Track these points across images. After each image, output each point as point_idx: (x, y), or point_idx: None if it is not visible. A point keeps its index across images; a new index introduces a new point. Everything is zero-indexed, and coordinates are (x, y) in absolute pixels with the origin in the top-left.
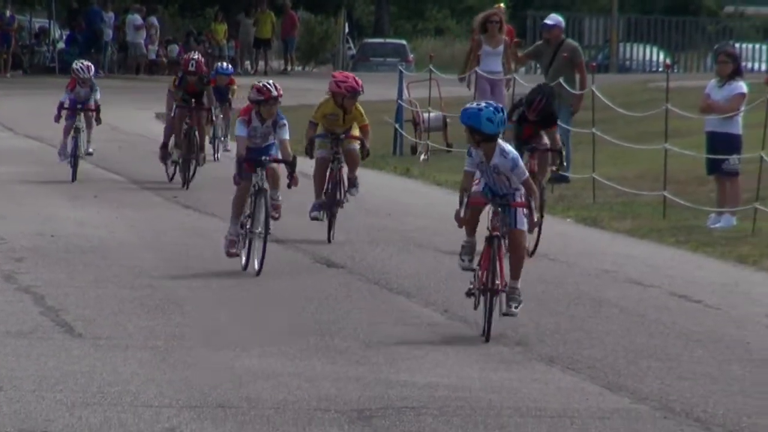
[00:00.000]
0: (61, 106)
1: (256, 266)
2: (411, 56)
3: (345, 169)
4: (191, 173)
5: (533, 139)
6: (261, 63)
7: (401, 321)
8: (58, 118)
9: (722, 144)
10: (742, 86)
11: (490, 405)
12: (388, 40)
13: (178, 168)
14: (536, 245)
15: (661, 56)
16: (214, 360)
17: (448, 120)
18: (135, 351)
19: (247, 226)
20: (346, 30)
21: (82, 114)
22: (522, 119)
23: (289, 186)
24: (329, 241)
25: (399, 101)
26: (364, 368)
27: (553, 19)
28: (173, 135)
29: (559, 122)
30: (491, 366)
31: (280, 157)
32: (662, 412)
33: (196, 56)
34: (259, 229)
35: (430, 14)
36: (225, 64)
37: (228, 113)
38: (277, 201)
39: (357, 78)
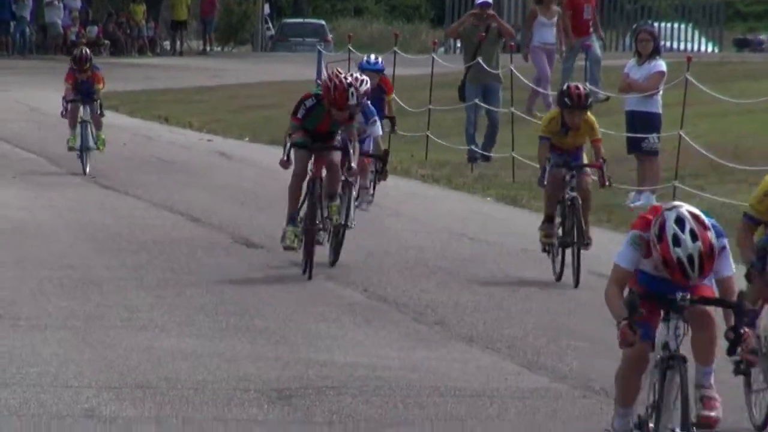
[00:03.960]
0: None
1: None
2: (330, 36)
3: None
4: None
5: None
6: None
7: (321, 301)
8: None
9: (642, 123)
10: (661, 65)
11: (409, 384)
12: (307, 20)
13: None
14: None
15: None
16: (133, 340)
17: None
18: (54, 331)
19: None
20: (266, 10)
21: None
22: None
23: None
24: None
25: (318, 81)
26: (284, 348)
27: None
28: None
29: (486, 103)
30: (410, 345)
31: None
32: (581, 390)
33: (362, 80)
34: None
35: None
36: (374, 56)
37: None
38: None
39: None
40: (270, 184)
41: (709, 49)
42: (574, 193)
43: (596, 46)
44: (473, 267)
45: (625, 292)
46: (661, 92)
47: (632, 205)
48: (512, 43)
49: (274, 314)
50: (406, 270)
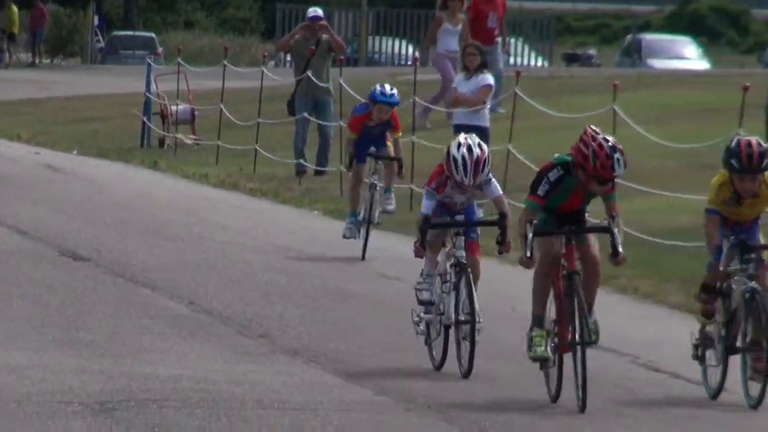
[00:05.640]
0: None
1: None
2: (160, 49)
3: None
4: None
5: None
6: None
7: (146, 313)
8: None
9: None
10: (488, 79)
11: (233, 397)
12: (137, 33)
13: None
14: None
15: (410, 49)
16: None
17: (196, 113)
18: None
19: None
20: (95, 23)
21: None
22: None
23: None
24: None
25: (147, 94)
26: (108, 361)
27: (321, 12)
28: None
29: (317, 118)
30: (235, 358)
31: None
32: (405, 404)
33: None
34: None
35: (179, 7)
36: (388, 87)
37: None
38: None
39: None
40: (97, 197)
41: (539, 64)
42: (754, 284)
43: (499, 58)
44: (299, 280)
45: None
46: (489, 106)
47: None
48: (341, 57)
49: (100, 327)
50: (232, 283)
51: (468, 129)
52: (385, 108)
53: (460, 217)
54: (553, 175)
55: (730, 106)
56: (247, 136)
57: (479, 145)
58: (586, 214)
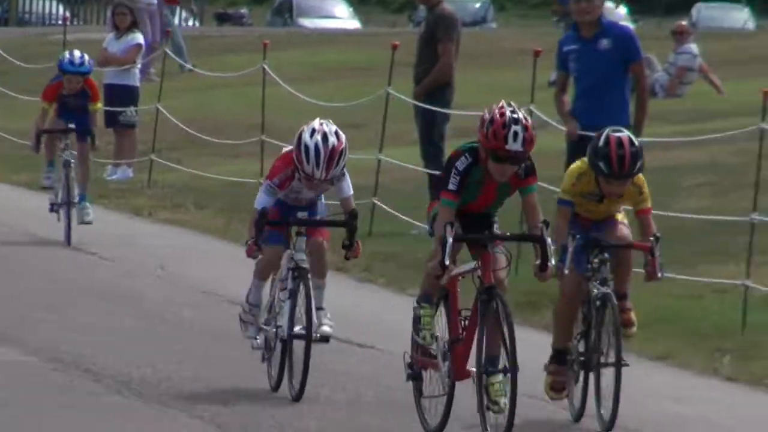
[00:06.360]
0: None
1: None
2: None
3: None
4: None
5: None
6: None
7: None
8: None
9: (120, 96)
10: (138, 38)
11: None
12: None
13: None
14: None
15: (61, 9)
16: None
17: None
18: None
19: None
20: None
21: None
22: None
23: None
24: None
25: None
26: None
27: None
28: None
29: None
30: None
31: None
32: (52, 364)
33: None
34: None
35: None
36: (78, 53)
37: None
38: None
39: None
40: None
41: (190, 24)
42: (607, 289)
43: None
44: None
45: None
46: (139, 65)
47: (109, 178)
48: None
49: None
50: None
51: (118, 88)
52: (75, 78)
53: (302, 214)
54: (461, 164)
55: (380, 65)
56: None
57: (336, 134)
58: (495, 225)
